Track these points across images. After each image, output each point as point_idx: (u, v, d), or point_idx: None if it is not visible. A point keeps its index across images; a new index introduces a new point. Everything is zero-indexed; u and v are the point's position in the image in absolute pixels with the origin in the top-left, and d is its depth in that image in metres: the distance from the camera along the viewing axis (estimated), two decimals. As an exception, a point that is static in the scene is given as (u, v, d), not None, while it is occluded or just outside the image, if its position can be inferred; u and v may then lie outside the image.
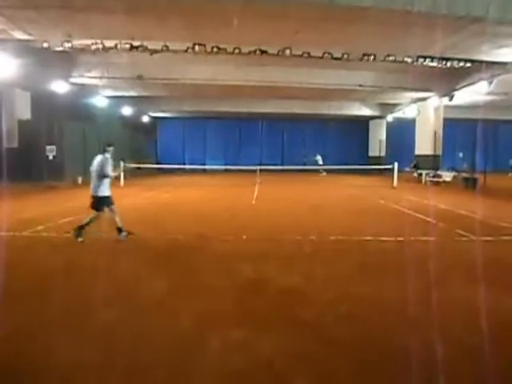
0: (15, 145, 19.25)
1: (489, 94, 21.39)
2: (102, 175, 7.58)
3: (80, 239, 7.61)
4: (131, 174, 23.94)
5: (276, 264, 6.43)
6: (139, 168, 25.59)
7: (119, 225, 7.88)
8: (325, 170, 30.88)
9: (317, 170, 31.13)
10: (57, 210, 11.83)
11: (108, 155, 7.72)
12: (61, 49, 15.02)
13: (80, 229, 7.66)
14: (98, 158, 7.70)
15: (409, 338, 3.80)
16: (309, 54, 16.12)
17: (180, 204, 14.11)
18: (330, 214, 12.07)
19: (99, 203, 7.68)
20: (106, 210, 7.85)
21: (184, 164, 34.67)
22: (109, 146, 7.82)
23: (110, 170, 7.62)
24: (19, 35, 13.39)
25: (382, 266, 6.46)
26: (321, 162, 31.55)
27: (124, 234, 7.89)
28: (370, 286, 5.41)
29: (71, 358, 3.49)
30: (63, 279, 5.61)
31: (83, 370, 3.34)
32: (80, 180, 21.39)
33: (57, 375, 3.29)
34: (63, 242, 7.83)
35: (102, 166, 7.55)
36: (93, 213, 7.74)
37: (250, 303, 4.75)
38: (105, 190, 7.66)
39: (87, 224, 7.70)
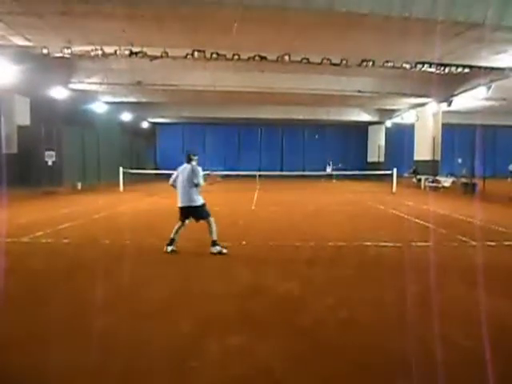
0: (14, 150, 19.27)
1: (487, 99, 21.48)
2: (194, 185, 7.26)
3: (224, 250, 7.29)
4: (131, 180, 23.93)
5: (275, 270, 6.41)
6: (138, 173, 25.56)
7: (173, 236, 7.56)
8: (336, 177, 30.63)
9: (320, 177, 30.98)
10: (56, 215, 11.81)
11: (195, 163, 7.41)
12: (60, 55, 15.06)
13: (214, 244, 7.32)
14: (187, 168, 7.37)
15: (408, 342, 3.79)
16: (308, 60, 16.18)
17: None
18: (328, 219, 12.06)
19: (202, 211, 7.38)
20: (185, 221, 7.53)
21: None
22: (194, 154, 7.50)
23: (202, 180, 7.32)
24: (19, 41, 13.44)
25: (381, 272, 6.44)
26: (329, 169, 31.36)
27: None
28: (369, 292, 5.39)
29: (68, 363, 3.47)
30: (62, 285, 5.60)
31: (80, 376, 3.32)
32: (79, 186, 21.40)
33: (53, 381, 3.27)
34: (62, 248, 7.81)
35: (193, 175, 7.24)
36: (207, 223, 7.38)
37: (250, 309, 4.73)
38: (200, 199, 7.37)
39: (214, 235, 7.35)
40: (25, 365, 3.47)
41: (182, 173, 7.43)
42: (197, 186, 7.28)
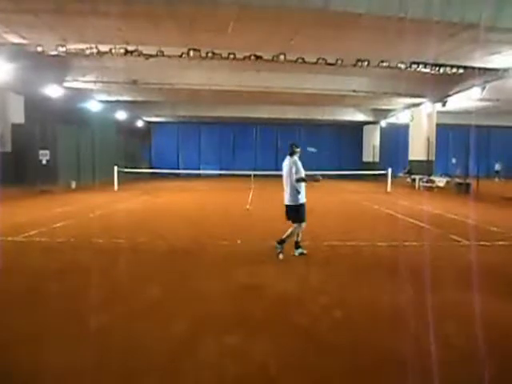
0: (8, 149, 19.16)
1: (481, 100, 21.57)
2: (296, 180, 6.85)
3: (281, 256, 6.88)
4: (125, 179, 23.87)
5: (271, 269, 6.42)
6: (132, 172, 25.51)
7: (298, 239, 7.13)
8: None
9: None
10: (50, 214, 11.76)
11: (296, 157, 6.97)
12: (55, 53, 14.96)
13: (281, 242, 6.94)
14: (286, 162, 6.99)
15: (402, 342, 3.81)
16: (303, 59, 16.19)
17: (174, 208, 14.08)
18: (324, 219, 12.07)
19: (300, 212, 6.91)
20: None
21: (178, 169, 34.66)
22: (296, 146, 7.04)
23: (303, 173, 6.90)
24: (13, 39, 13.34)
25: (376, 272, 6.47)
26: None
27: (300, 251, 7.09)
28: (364, 291, 5.41)
29: (64, 363, 3.46)
30: (56, 284, 5.57)
31: (75, 375, 3.32)
32: (74, 185, 21.31)
33: (49, 381, 3.26)
34: (56, 247, 7.78)
35: (292, 170, 6.83)
36: (292, 225, 6.97)
37: (245, 308, 4.74)
38: (302, 197, 6.92)
39: (285, 235, 6.96)
40: (20, 364, 3.46)
41: (284, 167, 7.02)
42: (298, 181, 6.87)
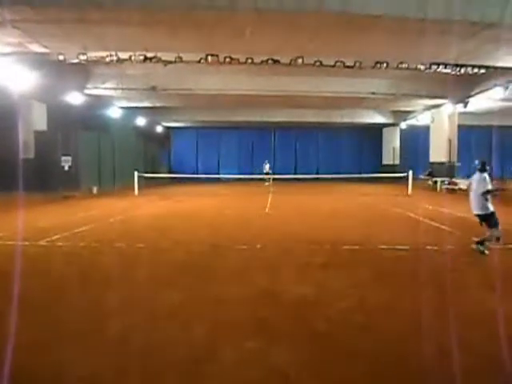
0: (31, 155, 19.53)
1: (504, 100, 21.13)
2: (485, 192, 7.67)
3: (487, 251, 7.70)
4: (145, 184, 24.13)
5: (291, 273, 6.38)
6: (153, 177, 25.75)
7: (486, 238, 7.84)
8: (269, 179, 28.37)
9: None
10: (72, 219, 11.95)
11: (486, 173, 7.89)
12: (76, 61, 15.27)
13: (479, 243, 7.81)
14: (476, 178, 7.94)
15: (423, 348, 3.73)
16: (321, 62, 16.13)
17: (194, 213, 14.14)
18: (343, 222, 11.97)
19: (491, 219, 7.70)
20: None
21: (197, 173, 34.90)
22: (485, 164, 8.03)
23: (490, 186, 7.73)
24: (36, 48, 13.63)
25: (397, 276, 6.37)
26: (265, 171, 29.65)
27: (482, 248, 7.81)
28: (385, 296, 5.33)
29: (85, 366, 3.50)
30: (78, 288, 5.64)
31: (96, 378, 3.34)
32: (95, 190, 21.63)
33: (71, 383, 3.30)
34: (78, 251, 7.88)
35: (484, 184, 7.71)
36: (491, 230, 7.72)
37: (265, 313, 4.71)
38: (490, 207, 7.70)
39: (484, 237, 7.81)
40: (41, 367, 3.51)
41: (475, 181, 7.95)
42: (486, 193, 7.66)
